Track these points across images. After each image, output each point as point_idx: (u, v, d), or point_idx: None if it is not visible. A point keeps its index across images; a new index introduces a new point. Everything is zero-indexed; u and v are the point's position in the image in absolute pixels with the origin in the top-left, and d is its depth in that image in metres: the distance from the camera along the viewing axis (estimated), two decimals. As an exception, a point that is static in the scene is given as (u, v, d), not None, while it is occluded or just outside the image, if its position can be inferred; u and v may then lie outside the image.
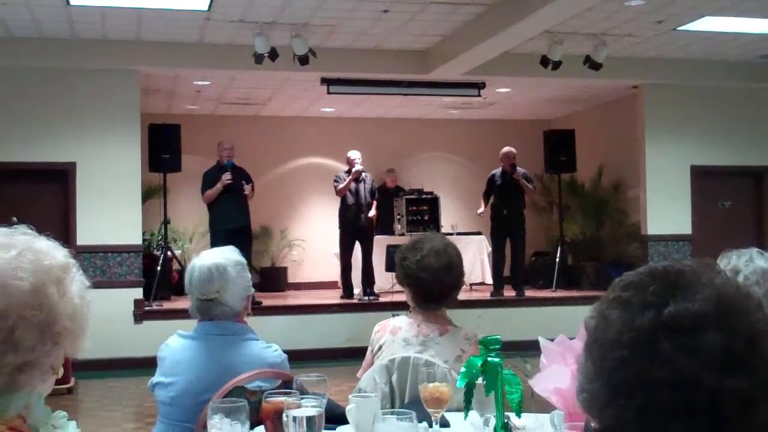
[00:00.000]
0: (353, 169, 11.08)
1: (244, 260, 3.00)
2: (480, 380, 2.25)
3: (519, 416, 2.27)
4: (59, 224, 9.73)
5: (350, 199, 11.13)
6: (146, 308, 10.04)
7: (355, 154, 11.25)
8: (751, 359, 0.99)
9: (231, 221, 10.23)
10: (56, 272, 1.44)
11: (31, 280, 1.40)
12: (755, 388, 0.98)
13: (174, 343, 2.93)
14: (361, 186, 11.19)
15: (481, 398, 2.30)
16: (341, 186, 11.09)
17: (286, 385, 2.61)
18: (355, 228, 11.15)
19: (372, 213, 11.27)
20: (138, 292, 10.05)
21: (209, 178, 10.44)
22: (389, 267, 10.74)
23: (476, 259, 12.27)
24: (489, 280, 12.14)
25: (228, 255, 2.95)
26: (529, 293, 11.58)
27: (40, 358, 1.39)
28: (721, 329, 0.99)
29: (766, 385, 0.99)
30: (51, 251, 1.47)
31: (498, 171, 11.56)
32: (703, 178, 11.77)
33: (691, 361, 0.98)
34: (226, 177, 10.27)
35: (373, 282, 11.17)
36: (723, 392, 0.97)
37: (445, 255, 3.12)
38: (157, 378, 2.90)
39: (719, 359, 0.98)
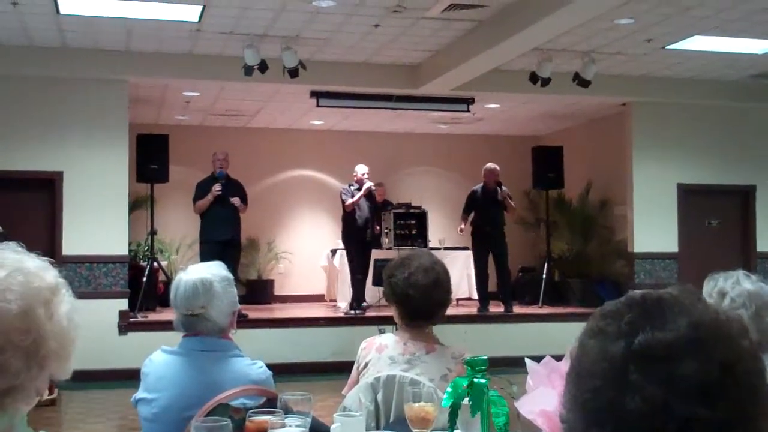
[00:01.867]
0: (364, 186, 11.10)
1: (230, 276, 2.97)
2: (466, 400, 2.24)
3: (505, 438, 2.26)
4: (45, 234, 9.69)
5: (358, 214, 11.14)
6: (131, 319, 9.98)
7: (363, 169, 11.29)
8: (728, 387, 0.97)
9: (219, 233, 10.19)
10: (45, 294, 1.41)
11: (20, 302, 1.37)
12: (731, 417, 0.97)
13: (158, 359, 2.90)
14: (369, 200, 11.24)
15: (466, 419, 2.29)
16: (351, 201, 11.08)
17: (271, 402, 2.59)
18: (361, 242, 11.16)
19: (375, 228, 11.59)
20: (123, 303, 9.99)
21: (201, 189, 10.41)
22: (377, 281, 10.74)
23: (463, 274, 12.27)
24: (476, 295, 12.14)
25: (214, 270, 2.92)
26: (516, 309, 11.58)
27: (26, 383, 1.36)
28: (695, 357, 0.98)
29: (743, 412, 0.98)
30: (40, 272, 1.44)
31: (479, 187, 11.55)
32: (690, 197, 11.81)
33: (661, 391, 0.97)
34: (216, 188, 10.24)
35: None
36: (694, 421, 0.96)
37: (433, 272, 3.11)
38: (140, 394, 2.86)
39: (692, 388, 0.97)
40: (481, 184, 11.53)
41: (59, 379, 1.45)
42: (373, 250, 11.63)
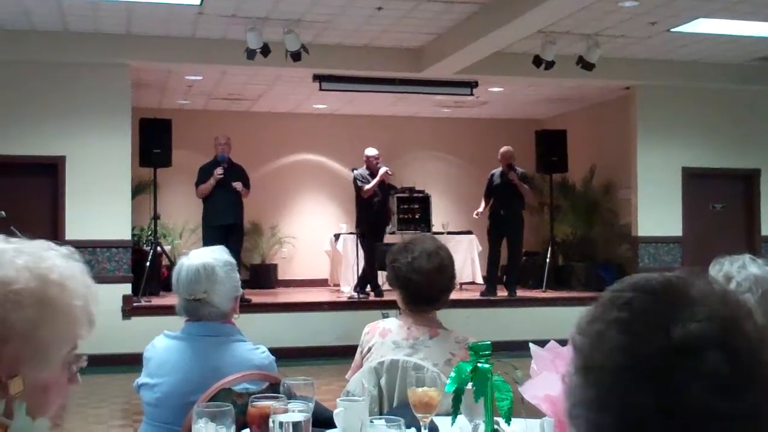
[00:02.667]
0: (380, 171, 11.07)
1: (233, 260, 2.96)
2: (469, 386, 2.22)
3: (508, 423, 2.24)
4: (48, 218, 9.69)
5: (375, 199, 11.14)
6: (135, 304, 9.99)
7: (373, 152, 11.26)
8: (755, 376, 0.94)
9: (222, 217, 10.18)
10: (24, 281, 1.38)
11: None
12: (761, 406, 0.93)
13: (160, 344, 2.89)
14: (383, 184, 11.26)
15: (470, 404, 2.27)
16: (368, 187, 11.04)
17: (273, 387, 2.58)
18: (378, 227, 11.13)
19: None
20: (127, 288, 10.00)
21: (203, 173, 10.37)
22: (379, 265, 10.72)
23: (467, 258, 12.26)
24: (479, 279, 12.14)
25: (217, 255, 2.91)
26: (519, 293, 11.55)
27: None
28: (723, 348, 0.93)
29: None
30: (46, 258, 1.42)
31: (497, 171, 11.50)
32: (694, 180, 11.77)
33: (702, 386, 0.92)
34: (218, 172, 10.20)
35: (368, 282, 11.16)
36: (735, 417, 0.92)
37: (437, 257, 3.09)
38: (142, 379, 2.86)
39: (727, 382, 0.92)
40: (500, 168, 11.50)
41: (31, 373, 1.40)
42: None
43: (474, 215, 11.77)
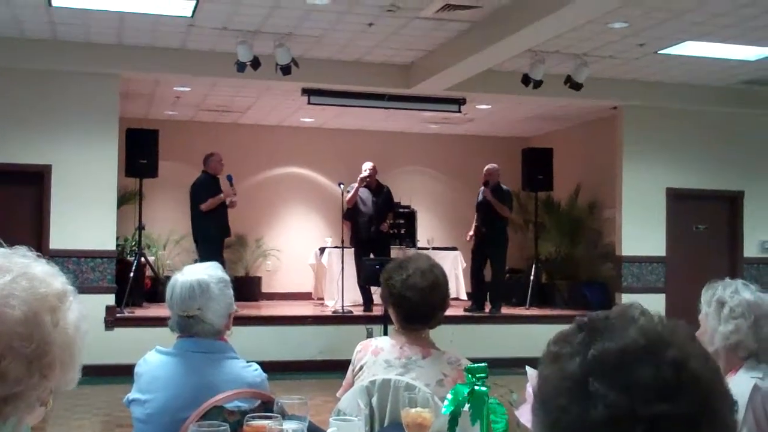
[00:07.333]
0: (359, 177, 11.12)
1: (227, 277, 2.95)
2: (466, 408, 2.22)
3: (503, 446, 2.24)
4: (33, 227, 9.62)
5: (364, 210, 11.14)
6: (118, 315, 9.92)
7: (365, 165, 11.35)
8: (685, 384, 1.01)
9: (226, 231, 10.47)
10: (51, 300, 1.38)
11: (24, 308, 1.33)
12: (694, 411, 1.00)
13: (152, 359, 2.87)
14: (377, 198, 11.20)
15: (466, 426, 2.27)
16: (348, 196, 11.15)
17: (266, 405, 2.57)
18: (365, 240, 11.10)
19: (382, 225, 11.34)
20: (110, 299, 9.94)
21: (207, 188, 10.40)
22: (365, 281, 10.69)
23: (451, 274, 12.25)
24: (463, 296, 12.15)
25: (211, 272, 2.90)
26: (503, 310, 11.56)
27: (27, 391, 1.33)
28: (647, 360, 1.02)
29: (706, 406, 1.01)
30: (48, 278, 1.41)
31: (482, 188, 11.54)
32: (678, 201, 11.84)
33: (623, 395, 1.00)
34: (233, 195, 10.48)
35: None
36: (660, 419, 0.99)
37: (431, 275, 3.10)
38: (133, 394, 2.83)
39: (650, 388, 1.00)
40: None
41: (64, 389, 1.42)
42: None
43: (467, 239, 11.70)
